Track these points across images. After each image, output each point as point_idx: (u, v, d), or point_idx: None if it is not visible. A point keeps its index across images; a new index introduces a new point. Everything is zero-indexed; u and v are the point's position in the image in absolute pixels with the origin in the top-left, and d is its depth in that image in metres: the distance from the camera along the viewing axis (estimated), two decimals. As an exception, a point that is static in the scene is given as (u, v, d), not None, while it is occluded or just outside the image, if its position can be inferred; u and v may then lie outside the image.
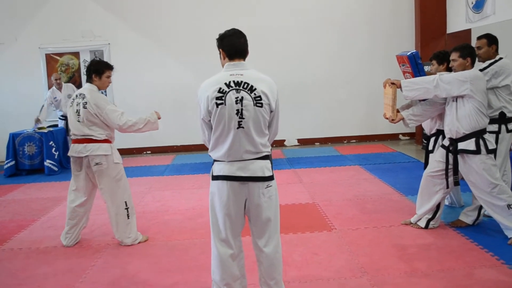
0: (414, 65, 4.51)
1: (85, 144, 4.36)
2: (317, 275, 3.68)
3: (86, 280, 3.82)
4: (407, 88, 4.30)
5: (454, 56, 4.23)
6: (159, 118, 4.56)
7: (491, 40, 4.57)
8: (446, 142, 4.34)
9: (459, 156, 4.23)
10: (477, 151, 4.10)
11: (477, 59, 4.58)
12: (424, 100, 4.44)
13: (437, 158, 4.42)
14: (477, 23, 8.01)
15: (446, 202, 5.22)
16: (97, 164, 4.36)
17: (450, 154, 4.28)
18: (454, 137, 4.22)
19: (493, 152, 4.16)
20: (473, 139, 4.12)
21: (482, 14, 7.80)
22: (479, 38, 4.67)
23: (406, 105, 4.72)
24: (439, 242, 4.21)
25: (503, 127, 4.48)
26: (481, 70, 4.40)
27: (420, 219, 4.58)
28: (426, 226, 4.53)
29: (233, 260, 2.99)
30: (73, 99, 4.45)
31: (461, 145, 4.18)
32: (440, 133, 4.68)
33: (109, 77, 4.48)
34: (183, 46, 9.79)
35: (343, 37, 9.86)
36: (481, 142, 4.10)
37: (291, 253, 4.10)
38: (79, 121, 4.36)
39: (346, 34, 9.86)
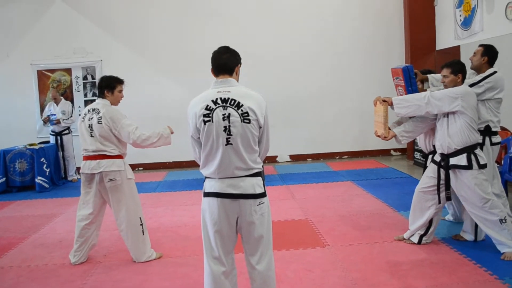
0: (407, 79, 4.54)
1: (98, 160, 4.31)
2: (310, 292, 3.67)
3: (77, 298, 3.77)
4: (398, 106, 4.34)
5: (445, 72, 4.27)
6: (172, 133, 4.53)
7: (487, 51, 4.62)
8: (438, 158, 4.37)
9: (450, 172, 4.25)
10: (469, 167, 4.13)
11: (470, 64, 4.65)
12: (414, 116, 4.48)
13: (429, 174, 4.45)
14: (465, 40, 8.12)
15: (451, 218, 5.24)
16: (111, 180, 4.31)
17: (441, 170, 4.31)
18: (445, 153, 4.24)
19: (485, 167, 4.19)
20: (465, 155, 4.15)
21: (470, 31, 7.91)
22: (480, 45, 4.73)
23: (397, 122, 4.75)
24: (432, 258, 4.21)
25: (487, 139, 4.53)
26: (475, 83, 4.44)
27: (413, 234, 4.59)
28: (419, 242, 4.53)
29: (226, 278, 2.96)
30: (85, 114, 4.42)
31: (452, 161, 4.20)
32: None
33: (121, 91, 4.48)
34: (175, 64, 9.83)
35: (335, 54, 9.95)
36: (472, 157, 4.13)
37: (284, 270, 4.08)
38: (92, 136, 4.33)
39: (338, 51, 9.95)
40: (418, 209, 4.49)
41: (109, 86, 4.43)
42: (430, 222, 4.47)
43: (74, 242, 4.52)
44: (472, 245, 4.48)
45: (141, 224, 4.46)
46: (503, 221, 4.10)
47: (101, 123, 4.28)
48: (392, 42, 9.99)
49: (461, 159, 4.15)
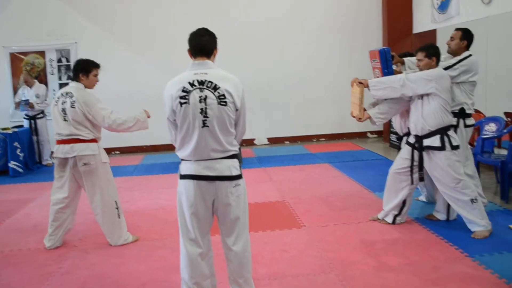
0: (384, 61, 4.56)
1: (71, 144, 4.25)
2: (286, 272, 3.71)
3: (53, 283, 3.74)
4: (374, 88, 4.37)
5: (420, 56, 4.31)
6: (148, 117, 4.48)
7: (465, 35, 4.66)
8: (412, 140, 4.43)
9: (424, 153, 4.32)
10: (442, 148, 4.20)
11: (446, 48, 4.69)
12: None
13: (403, 155, 4.51)
14: (442, 23, 8.19)
15: (424, 199, 5.33)
16: (85, 164, 4.27)
17: (415, 151, 4.37)
18: (419, 134, 4.30)
19: (457, 148, 4.27)
20: (438, 136, 4.22)
21: (446, 15, 7.98)
22: (457, 29, 4.77)
23: (373, 103, 4.79)
24: (405, 237, 4.30)
25: (461, 121, 4.60)
26: (450, 66, 4.49)
27: (387, 215, 4.66)
28: (393, 222, 4.61)
29: (202, 259, 2.98)
30: (58, 98, 4.34)
31: (426, 142, 4.27)
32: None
33: (96, 75, 4.41)
34: (151, 46, 9.71)
35: (313, 38, 9.94)
36: (445, 138, 4.21)
37: (261, 251, 4.11)
38: (65, 120, 4.26)
39: (315, 34, 9.94)
40: (392, 190, 4.56)
41: (84, 69, 4.36)
42: (404, 202, 4.55)
43: (48, 226, 4.48)
44: (444, 224, 4.58)
45: (117, 208, 4.44)
46: (474, 201, 4.19)
47: (74, 107, 4.21)
48: (370, 26, 10.02)
49: (435, 140, 4.22)
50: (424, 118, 4.24)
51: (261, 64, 9.83)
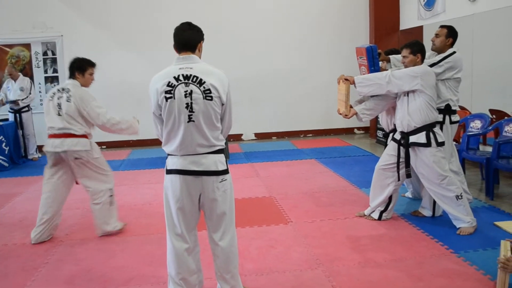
0: (371, 58, 4.60)
1: (62, 138, 4.26)
2: (273, 267, 3.72)
3: (39, 278, 3.72)
4: (360, 85, 4.40)
5: (405, 52, 4.34)
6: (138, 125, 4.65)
7: (451, 32, 4.69)
8: (398, 136, 4.46)
9: (410, 149, 4.35)
10: (428, 144, 4.24)
11: (431, 45, 4.72)
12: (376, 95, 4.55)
13: (389, 151, 4.54)
14: (428, 20, 8.25)
15: (410, 195, 5.38)
16: (76, 158, 4.30)
17: (401, 148, 4.41)
18: (405, 131, 4.34)
19: (443, 144, 4.31)
20: (424, 132, 4.26)
21: (433, 12, 8.04)
22: (441, 26, 4.80)
23: (359, 100, 4.81)
24: (391, 233, 4.34)
25: (447, 118, 4.64)
26: (435, 63, 4.52)
27: (374, 211, 4.70)
28: (379, 218, 4.65)
29: (189, 255, 2.98)
30: (54, 94, 4.36)
31: (412, 138, 4.31)
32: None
33: (92, 74, 4.51)
34: (138, 39, 9.64)
35: (301, 33, 9.94)
36: (431, 135, 4.25)
37: (248, 246, 4.12)
38: (59, 115, 4.28)
39: (303, 30, 9.95)
40: (378, 186, 4.59)
41: (80, 68, 4.42)
42: (390, 198, 4.59)
43: (37, 219, 4.45)
44: (430, 221, 4.62)
45: (111, 196, 4.49)
46: (459, 197, 4.24)
47: (70, 102, 4.26)
48: (358, 22, 10.05)
49: (420, 137, 4.26)
50: (409, 114, 4.27)
51: (248, 59, 9.80)
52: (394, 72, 4.29)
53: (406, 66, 4.35)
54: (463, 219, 4.26)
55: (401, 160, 4.42)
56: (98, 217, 4.49)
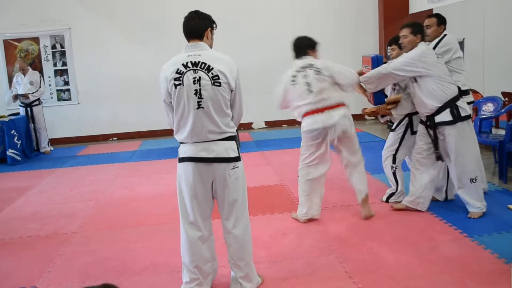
0: (376, 67, 4.50)
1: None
2: (286, 254, 3.73)
3: (54, 269, 3.76)
4: (365, 83, 4.30)
5: (405, 32, 4.21)
6: None
7: (441, 20, 4.66)
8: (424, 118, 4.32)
9: (437, 131, 4.19)
10: (454, 121, 4.08)
11: (425, 37, 4.66)
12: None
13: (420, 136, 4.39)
14: (438, 3, 8.12)
15: None
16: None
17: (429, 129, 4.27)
18: (429, 114, 4.18)
19: (468, 118, 4.16)
20: (448, 110, 4.08)
21: (443, -6, 7.92)
22: (429, 16, 4.76)
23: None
24: (404, 218, 4.31)
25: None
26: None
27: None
28: (387, 200, 4.73)
29: (203, 243, 3.00)
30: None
31: (437, 118, 4.13)
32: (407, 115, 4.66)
33: None
34: (146, 31, 9.61)
35: (309, 20, 9.84)
36: (455, 111, 4.08)
37: (261, 234, 4.13)
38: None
39: (311, 17, 9.85)
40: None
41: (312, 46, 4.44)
42: (396, 180, 4.61)
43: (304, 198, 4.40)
44: (443, 205, 4.59)
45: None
46: (473, 180, 4.18)
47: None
48: (366, 6, 9.94)
49: (445, 115, 4.09)
50: (426, 98, 4.11)
51: (256, 47, 9.74)
52: (392, 64, 4.17)
53: (404, 46, 4.24)
54: (473, 204, 4.22)
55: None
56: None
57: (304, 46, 4.36)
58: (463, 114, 4.11)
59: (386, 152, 4.70)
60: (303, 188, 4.36)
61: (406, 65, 4.08)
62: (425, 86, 4.11)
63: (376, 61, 4.48)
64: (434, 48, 4.52)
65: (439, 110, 4.11)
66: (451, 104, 4.10)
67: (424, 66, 4.04)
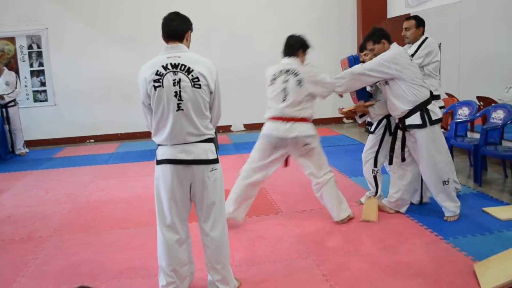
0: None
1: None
2: (264, 257, 3.73)
3: (28, 273, 3.69)
4: (337, 84, 4.23)
5: (369, 45, 4.23)
6: None
7: (419, 22, 4.72)
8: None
9: (406, 133, 4.24)
10: (423, 125, 4.08)
11: (404, 40, 4.72)
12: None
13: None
14: (415, 8, 8.23)
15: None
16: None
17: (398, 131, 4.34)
18: (400, 117, 4.22)
19: (439, 122, 4.17)
20: (418, 113, 4.10)
21: None
22: (407, 19, 4.82)
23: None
24: (381, 222, 4.34)
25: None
26: (412, 55, 4.50)
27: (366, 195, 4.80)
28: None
29: (180, 246, 2.98)
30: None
31: (408, 121, 4.16)
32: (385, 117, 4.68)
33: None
34: (125, 32, 9.54)
35: (288, 23, 9.84)
36: (425, 114, 4.09)
37: (239, 237, 4.12)
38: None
39: (290, 20, 9.87)
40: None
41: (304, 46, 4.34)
42: (376, 184, 4.63)
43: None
44: (419, 208, 4.64)
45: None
46: (446, 182, 4.21)
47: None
48: (345, 11, 10.04)
49: (415, 118, 4.11)
50: (397, 100, 4.13)
51: (235, 50, 9.75)
52: (365, 64, 4.15)
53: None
54: (448, 207, 4.26)
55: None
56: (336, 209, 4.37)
57: (295, 46, 4.29)
58: (434, 117, 4.12)
59: (367, 155, 4.69)
60: (238, 190, 4.33)
61: (380, 65, 4.06)
62: (396, 89, 4.11)
63: (353, 61, 4.45)
64: (416, 50, 4.56)
65: (410, 113, 4.13)
66: (422, 108, 4.10)
67: (397, 68, 4.03)
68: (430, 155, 4.17)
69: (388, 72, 4.05)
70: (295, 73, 4.08)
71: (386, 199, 4.55)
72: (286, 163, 4.39)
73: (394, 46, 4.20)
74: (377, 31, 4.25)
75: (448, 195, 4.26)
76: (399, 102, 4.14)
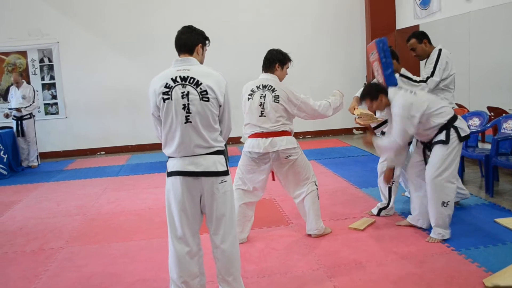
0: (381, 50, 4.27)
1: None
2: (275, 269, 3.71)
3: (39, 285, 3.70)
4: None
5: (368, 103, 4.14)
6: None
7: (419, 36, 4.67)
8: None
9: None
10: (446, 141, 3.95)
11: (418, 59, 4.69)
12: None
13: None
14: (424, 19, 8.26)
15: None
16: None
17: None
18: (427, 141, 4.14)
19: (466, 138, 4.07)
20: (444, 132, 3.98)
21: (429, 11, 8.05)
22: (408, 40, 4.74)
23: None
24: (392, 232, 4.32)
25: None
26: (431, 74, 4.46)
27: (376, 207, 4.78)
28: (378, 214, 4.72)
29: (191, 258, 2.97)
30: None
31: (435, 139, 4.04)
32: None
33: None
34: (134, 45, 9.65)
35: (297, 35, 9.95)
36: (452, 131, 3.97)
37: (249, 249, 4.12)
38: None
39: (299, 31, 9.96)
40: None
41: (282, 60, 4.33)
42: (390, 195, 4.59)
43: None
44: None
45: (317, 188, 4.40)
46: (444, 204, 4.01)
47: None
48: (354, 22, 10.08)
49: (440, 135, 3.99)
50: (425, 130, 4.04)
51: (243, 62, 9.76)
52: (394, 135, 4.02)
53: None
54: (435, 230, 4.08)
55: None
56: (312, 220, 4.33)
57: (273, 60, 4.31)
58: (462, 134, 3.98)
59: (382, 166, 4.64)
60: (236, 213, 4.26)
61: (405, 125, 3.94)
62: (422, 124, 4.01)
63: (381, 43, 4.26)
64: (435, 68, 4.47)
65: (436, 135, 4.02)
66: (448, 126, 3.97)
67: (417, 115, 3.92)
68: (441, 161, 3.97)
69: (415, 122, 3.94)
70: (272, 90, 4.14)
71: (409, 216, 4.44)
72: (273, 177, 4.36)
73: (399, 101, 4.00)
74: (372, 87, 4.16)
75: (444, 217, 4.03)
76: (427, 131, 4.04)
